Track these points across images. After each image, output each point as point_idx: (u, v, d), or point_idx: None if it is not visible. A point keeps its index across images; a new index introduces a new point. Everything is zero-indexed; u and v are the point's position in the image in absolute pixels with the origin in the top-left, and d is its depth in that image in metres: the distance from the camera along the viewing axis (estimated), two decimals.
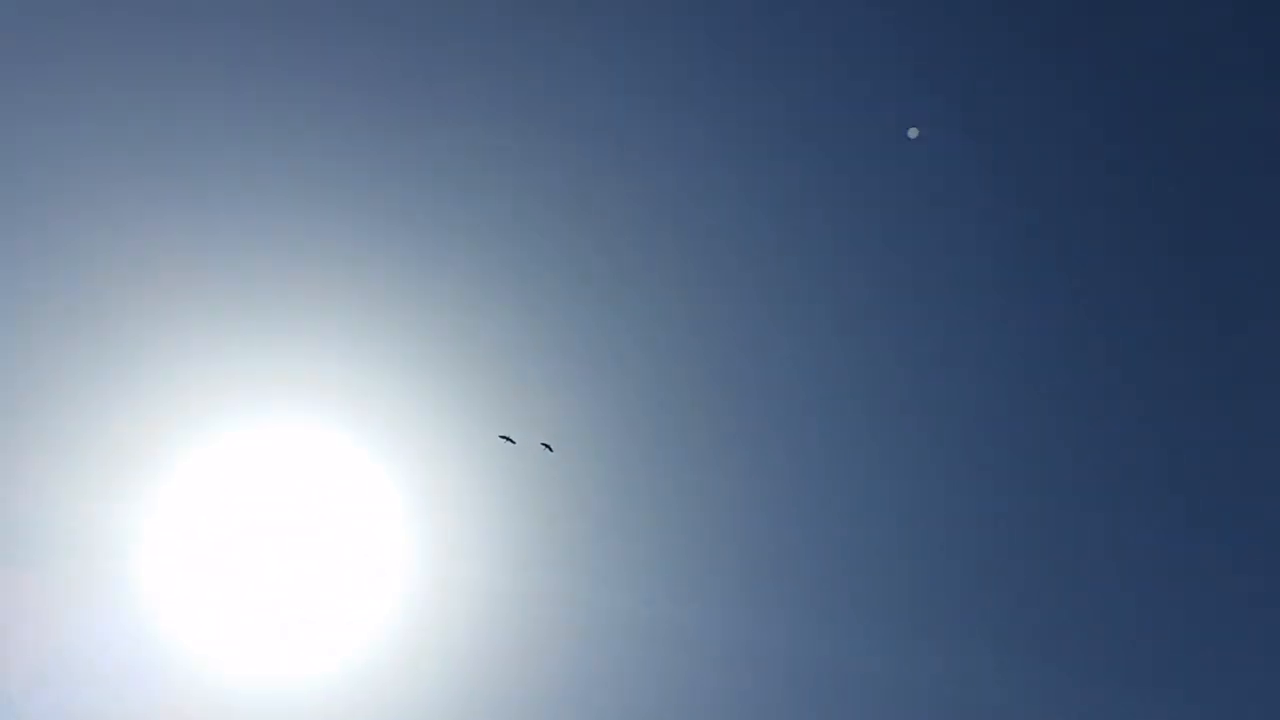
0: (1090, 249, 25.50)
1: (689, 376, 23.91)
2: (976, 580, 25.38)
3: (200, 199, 19.41)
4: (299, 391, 18.79)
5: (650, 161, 23.85)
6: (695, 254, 24.45)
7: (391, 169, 21.09)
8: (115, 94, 19.58)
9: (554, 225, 22.51)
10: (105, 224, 18.86)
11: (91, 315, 18.23)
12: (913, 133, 19.21)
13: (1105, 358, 26.15)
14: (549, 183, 22.54)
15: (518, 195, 21.87)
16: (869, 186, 24.64)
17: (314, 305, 19.84)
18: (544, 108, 22.34)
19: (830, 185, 25.18)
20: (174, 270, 18.57)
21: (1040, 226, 25.81)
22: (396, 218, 20.68)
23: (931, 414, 25.95)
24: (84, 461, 17.69)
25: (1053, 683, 24.05)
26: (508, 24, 22.03)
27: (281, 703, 17.85)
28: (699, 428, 23.96)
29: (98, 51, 19.49)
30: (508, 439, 16.39)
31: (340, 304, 19.70)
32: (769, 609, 22.74)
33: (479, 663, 18.60)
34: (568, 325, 22.25)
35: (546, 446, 17.07)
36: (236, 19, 21.28)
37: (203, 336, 18.74)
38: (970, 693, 23.97)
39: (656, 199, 24.03)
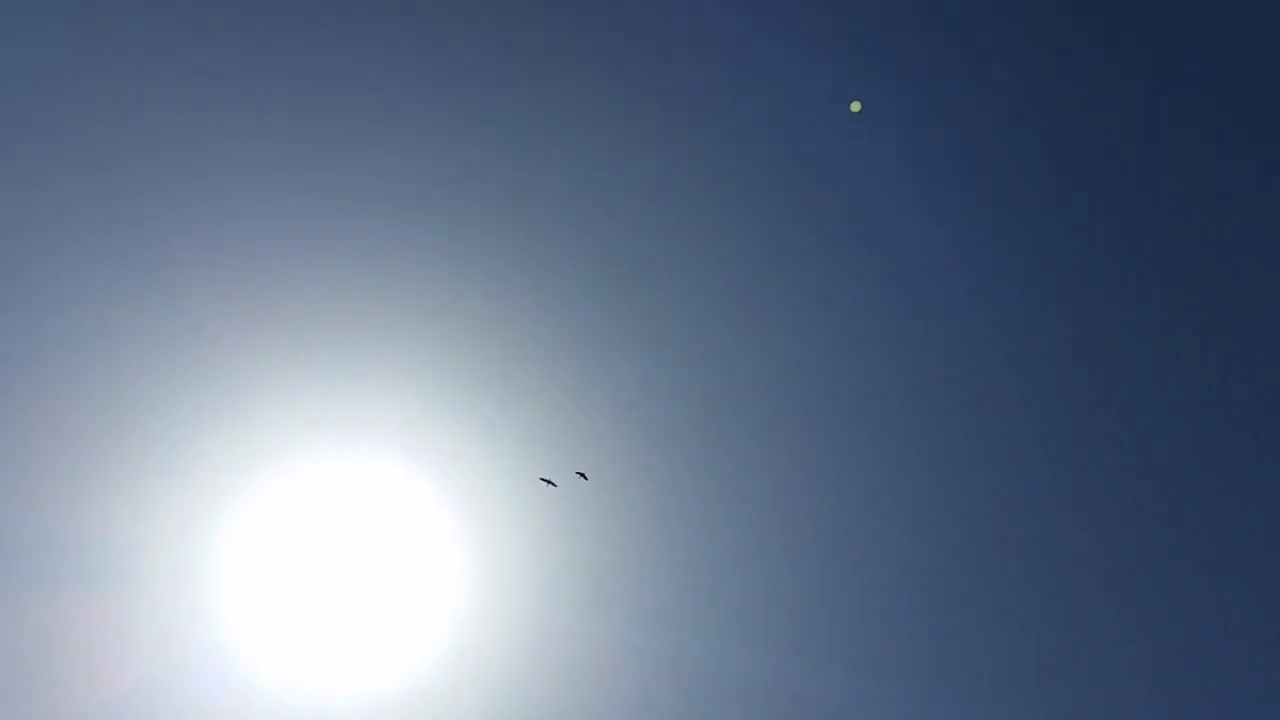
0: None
1: (744, 424, 24.18)
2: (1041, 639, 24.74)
3: (297, 251, 20.99)
4: (368, 430, 19.99)
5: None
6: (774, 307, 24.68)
7: (462, 222, 22.26)
8: (240, 142, 21.21)
9: (623, 275, 23.25)
10: (202, 276, 20.41)
11: (183, 354, 19.77)
12: (855, 106, 18.98)
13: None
14: (621, 238, 23.33)
15: (591, 250, 22.74)
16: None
17: (389, 351, 21.08)
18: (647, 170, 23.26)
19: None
20: (263, 321, 20.02)
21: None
22: (463, 266, 21.84)
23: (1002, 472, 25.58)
24: (169, 492, 19.02)
25: None
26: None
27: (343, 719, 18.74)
28: (761, 476, 24.14)
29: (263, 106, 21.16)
30: (549, 481, 17.29)
31: (412, 350, 20.92)
32: (828, 662, 22.61)
33: (517, 691, 19.30)
34: (632, 371, 22.97)
35: (582, 475, 17.84)
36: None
37: (282, 378, 20.14)
38: None
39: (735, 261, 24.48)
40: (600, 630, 20.46)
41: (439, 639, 19.57)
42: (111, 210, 20.20)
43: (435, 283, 21.28)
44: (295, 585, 19.74)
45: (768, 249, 24.51)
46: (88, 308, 18.94)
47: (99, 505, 18.65)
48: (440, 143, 22.22)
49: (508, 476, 20.34)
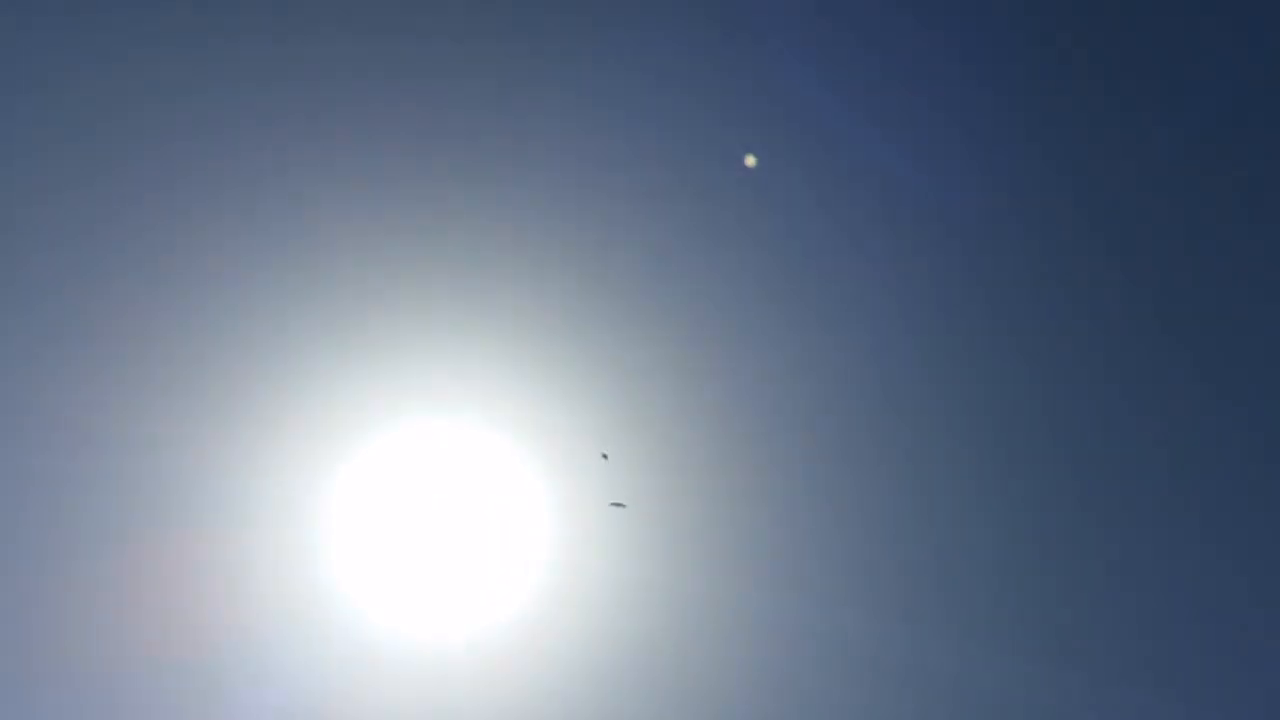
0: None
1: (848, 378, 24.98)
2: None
3: (411, 241, 21.98)
4: (468, 396, 21.34)
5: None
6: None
7: (559, 188, 23.13)
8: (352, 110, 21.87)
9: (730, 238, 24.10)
10: (336, 261, 21.62)
11: (303, 315, 21.07)
12: (750, 161, 20.55)
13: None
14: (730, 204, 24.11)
15: (688, 216, 23.68)
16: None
17: (481, 325, 22.25)
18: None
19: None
20: (372, 296, 21.22)
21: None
22: (560, 245, 22.80)
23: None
24: (286, 446, 20.24)
25: None
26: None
27: (434, 660, 20.29)
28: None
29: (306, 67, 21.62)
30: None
31: (503, 325, 22.10)
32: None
33: (598, 643, 20.86)
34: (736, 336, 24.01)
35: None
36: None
37: (393, 341, 21.46)
38: None
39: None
40: (671, 583, 21.70)
41: (525, 587, 20.99)
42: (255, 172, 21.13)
43: (524, 265, 22.18)
44: (394, 534, 21.22)
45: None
46: (230, 271, 20.36)
47: (229, 454, 20.33)
48: (547, 125, 22.87)
49: (590, 441, 21.63)
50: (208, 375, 20.57)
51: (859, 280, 25.13)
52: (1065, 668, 23.33)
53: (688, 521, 22.01)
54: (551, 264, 22.27)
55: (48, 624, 19.16)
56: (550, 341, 22.01)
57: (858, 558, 23.91)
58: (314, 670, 19.64)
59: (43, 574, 19.47)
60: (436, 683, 19.86)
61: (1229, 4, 24.46)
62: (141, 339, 20.79)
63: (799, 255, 24.40)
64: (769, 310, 24.31)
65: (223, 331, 20.90)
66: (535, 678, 20.27)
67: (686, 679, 21.28)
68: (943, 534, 24.85)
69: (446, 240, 22.05)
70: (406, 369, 21.35)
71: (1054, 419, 25.28)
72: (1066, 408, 25.29)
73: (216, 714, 18.77)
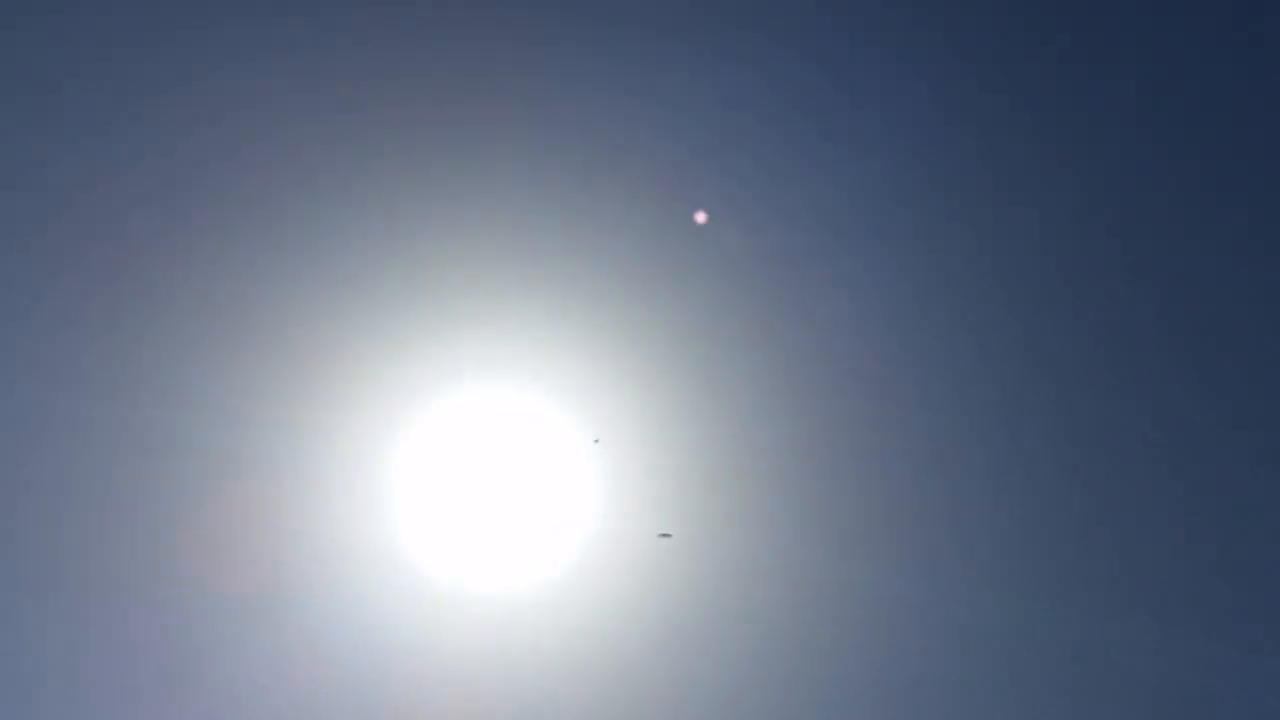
0: None
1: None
2: None
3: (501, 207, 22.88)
4: (538, 370, 22.32)
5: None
6: None
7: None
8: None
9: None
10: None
11: (390, 294, 22.45)
12: (595, 441, 21.58)
13: None
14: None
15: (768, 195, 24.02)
16: None
17: (536, 299, 23.21)
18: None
19: None
20: (465, 265, 22.41)
21: None
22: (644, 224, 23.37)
23: None
24: (350, 410, 21.46)
25: None
26: None
27: (489, 608, 21.62)
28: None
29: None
30: (666, 535, 19.42)
31: (559, 297, 22.97)
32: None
33: (632, 602, 21.42)
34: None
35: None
36: None
37: (473, 317, 22.56)
38: None
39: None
40: (715, 546, 21.84)
41: (573, 545, 22.11)
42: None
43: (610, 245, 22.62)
44: (453, 496, 22.58)
45: None
46: (313, 244, 21.44)
47: (296, 420, 21.78)
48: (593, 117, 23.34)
49: (644, 413, 22.20)
50: (296, 352, 22.05)
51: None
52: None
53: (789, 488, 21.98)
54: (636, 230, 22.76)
55: (147, 571, 21.06)
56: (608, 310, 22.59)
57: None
58: (384, 615, 21.26)
59: (146, 528, 21.43)
60: (496, 629, 21.42)
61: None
62: (238, 321, 22.33)
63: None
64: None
65: (300, 311, 22.35)
66: (593, 630, 21.42)
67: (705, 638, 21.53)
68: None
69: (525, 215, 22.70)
70: (468, 336, 22.54)
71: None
72: None
73: (302, 649, 20.78)
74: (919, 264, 23.57)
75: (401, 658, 20.83)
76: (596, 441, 20.26)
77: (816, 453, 22.10)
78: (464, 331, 22.29)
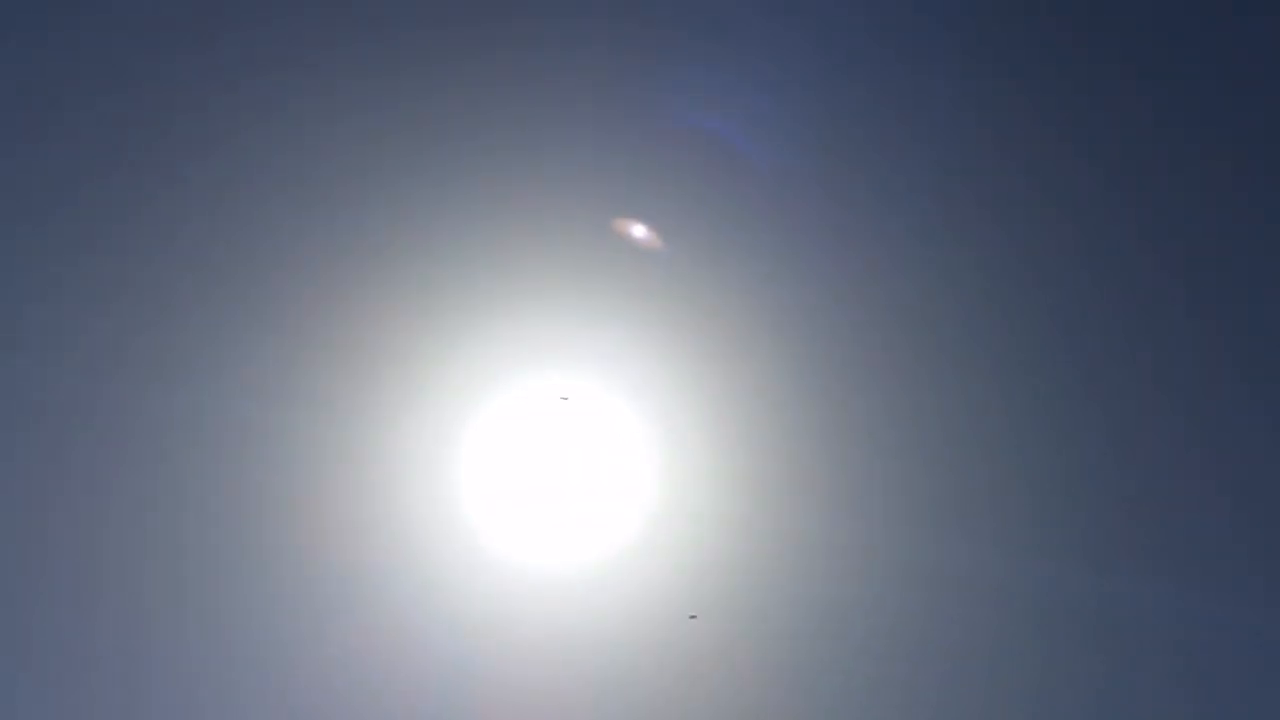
0: None
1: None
2: None
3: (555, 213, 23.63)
4: (591, 364, 23.18)
5: None
6: None
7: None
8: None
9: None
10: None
11: (460, 291, 22.95)
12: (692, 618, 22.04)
13: None
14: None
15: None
16: None
17: (594, 290, 23.96)
18: None
19: None
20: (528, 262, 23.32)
21: None
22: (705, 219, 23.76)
23: None
24: (423, 395, 22.49)
25: None
26: None
27: (553, 585, 22.31)
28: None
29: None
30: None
31: (616, 291, 23.67)
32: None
33: (692, 572, 22.18)
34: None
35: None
36: None
37: (535, 314, 23.49)
38: None
39: None
40: (769, 515, 22.00)
41: (633, 522, 22.57)
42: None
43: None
44: (516, 481, 23.51)
45: None
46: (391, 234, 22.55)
47: (369, 413, 22.38)
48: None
49: (699, 401, 22.66)
50: (371, 344, 22.67)
51: None
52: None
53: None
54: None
55: (246, 545, 21.76)
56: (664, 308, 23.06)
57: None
58: (461, 587, 22.05)
59: (246, 508, 22.31)
60: (564, 601, 21.86)
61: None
62: (315, 315, 23.27)
63: None
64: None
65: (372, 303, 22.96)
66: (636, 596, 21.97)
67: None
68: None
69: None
70: (526, 333, 23.03)
71: None
72: None
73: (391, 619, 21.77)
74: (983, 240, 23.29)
75: (479, 635, 20.98)
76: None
77: (887, 430, 22.32)
78: (530, 322, 22.95)
